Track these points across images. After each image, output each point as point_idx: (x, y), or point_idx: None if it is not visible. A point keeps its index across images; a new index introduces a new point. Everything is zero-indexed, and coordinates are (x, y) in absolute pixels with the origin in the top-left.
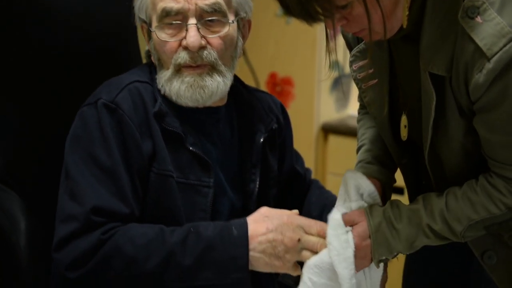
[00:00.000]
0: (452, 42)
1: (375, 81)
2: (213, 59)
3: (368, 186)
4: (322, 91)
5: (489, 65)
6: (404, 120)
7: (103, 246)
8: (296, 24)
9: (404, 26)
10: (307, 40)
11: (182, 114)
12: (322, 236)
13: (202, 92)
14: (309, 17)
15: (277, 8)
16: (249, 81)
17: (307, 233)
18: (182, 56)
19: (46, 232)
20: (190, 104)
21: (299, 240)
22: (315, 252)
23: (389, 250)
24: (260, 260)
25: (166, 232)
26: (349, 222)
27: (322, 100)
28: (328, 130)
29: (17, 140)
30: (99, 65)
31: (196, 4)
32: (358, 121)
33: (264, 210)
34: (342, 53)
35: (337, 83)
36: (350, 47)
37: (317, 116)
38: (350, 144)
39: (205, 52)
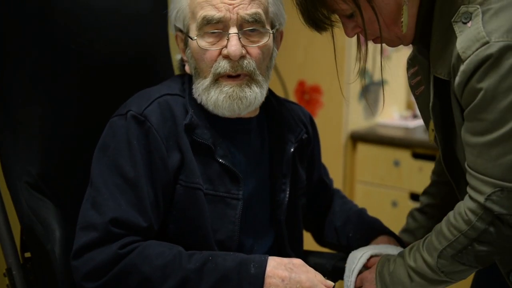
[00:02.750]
0: (453, 46)
1: (422, 87)
2: (252, 69)
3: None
4: (351, 99)
5: (462, 67)
6: (431, 124)
7: (120, 261)
8: (324, 32)
9: (403, 32)
10: (336, 47)
11: (213, 125)
12: None
13: (240, 103)
14: (315, 25)
15: None
16: (277, 89)
17: None
18: (223, 65)
19: None
20: (227, 114)
21: None
22: None
23: None
24: None
25: (184, 256)
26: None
27: (351, 108)
28: (357, 138)
29: (52, 150)
30: (132, 77)
31: (237, 14)
32: None
33: (295, 262)
34: (371, 61)
35: (366, 91)
36: None
37: (345, 124)
38: (378, 153)
39: (245, 61)
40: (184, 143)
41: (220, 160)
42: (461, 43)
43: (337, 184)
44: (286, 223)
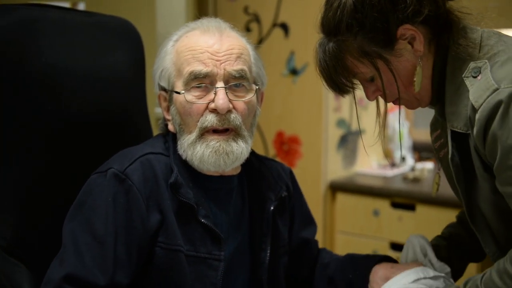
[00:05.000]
0: (466, 100)
1: (445, 149)
2: (238, 123)
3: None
4: (329, 149)
5: (477, 116)
6: (436, 177)
7: None
8: (302, 83)
9: (416, 91)
10: (313, 98)
11: (196, 183)
12: None
13: (227, 157)
14: (338, 89)
15: (283, 68)
16: (256, 139)
17: None
18: (210, 119)
19: None
20: (212, 169)
21: None
22: None
23: None
24: None
25: None
26: None
27: (329, 158)
28: (336, 188)
29: (27, 213)
30: (108, 136)
31: (224, 69)
32: None
33: None
34: (349, 111)
35: (344, 141)
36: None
37: (324, 174)
38: (358, 202)
39: (232, 115)
40: (165, 204)
41: (202, 221)
42: (473, 94)
43: (317, 234)
44: (267, 283)
